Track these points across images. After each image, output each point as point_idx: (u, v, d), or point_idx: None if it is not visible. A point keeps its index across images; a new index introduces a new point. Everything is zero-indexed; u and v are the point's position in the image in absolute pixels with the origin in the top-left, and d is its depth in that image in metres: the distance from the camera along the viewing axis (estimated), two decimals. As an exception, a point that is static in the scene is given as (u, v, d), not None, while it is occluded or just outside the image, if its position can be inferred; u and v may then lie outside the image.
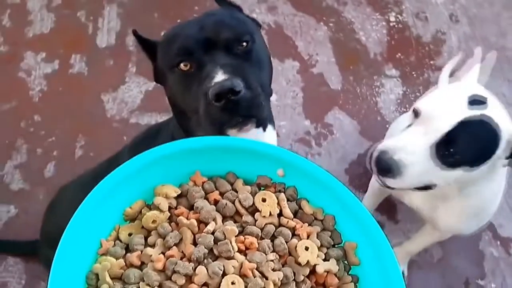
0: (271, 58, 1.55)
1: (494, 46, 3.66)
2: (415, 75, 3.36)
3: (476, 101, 1.48)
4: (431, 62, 3.42)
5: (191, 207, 1.25)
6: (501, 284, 2.60)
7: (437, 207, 1.86)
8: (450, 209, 1.83)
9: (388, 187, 1.53)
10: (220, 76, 1.28)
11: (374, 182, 2.24)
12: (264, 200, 1.26)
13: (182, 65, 1.38)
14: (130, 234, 1.20)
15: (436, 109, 1.48)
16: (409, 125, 1.53)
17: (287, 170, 1.32)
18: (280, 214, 1.27)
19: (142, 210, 1.23)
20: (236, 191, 1.29)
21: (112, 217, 1.22)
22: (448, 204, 1.81)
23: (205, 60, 1.36)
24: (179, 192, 1.26)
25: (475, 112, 1.45)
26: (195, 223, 1.18)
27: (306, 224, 1.27)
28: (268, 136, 1.63)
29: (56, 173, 2.69)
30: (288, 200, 1.30)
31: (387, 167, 1.44)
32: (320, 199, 1.31)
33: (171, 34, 1.46)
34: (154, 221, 1.20)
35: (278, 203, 1.27)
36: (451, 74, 1.78)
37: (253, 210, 1.26)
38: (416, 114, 1.51)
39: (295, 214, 1.30)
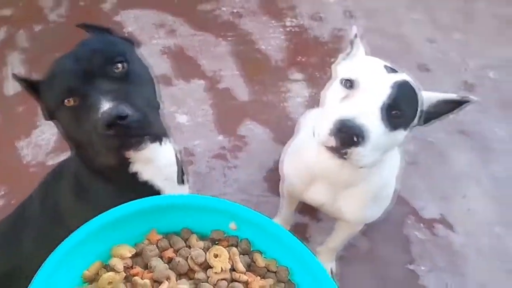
0: (151, 78, 1.56)
1: (391, 34, 3.77)
2: (318, 75, 3.42)
3: (390, 68, 1.56)
4: (333, 60, 3.41)
5: (147, 266, 1.25)
6: (430, 266, 2.63)
7: (338, 198, 1.89)
8: (351, 198, 1.87)
9: (345, 158, 1.49)
10: (105, 105, 1.28)
11: (284, 188, 2.25)
12: (216, 255, 1.26)
13: (67, 101, 1.37)
14: (90, 296, 1.20)
15: (369, 77, 1.52)
16: (346, 97, 1.53)
17: (240, 224, 1.34)
18: (233, 269, 1.27)
19: (100, 271, 1.23)
20: (190, 248, 1.30)
21: (71, 280, 1.21)
22: (349, 193, 1.85)
23: (87, 91, 1.35)
24: (134, 252, 1.26)
25: (398, 76, 1.52)
26: (149, 283, 1.18)
27: (259, 278, 1.27)
28: (166, 149, 1.65)
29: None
30: (241, 253, 1.30)
31: (353, 133, 1.41)
32: (274, 251, 1.33)
33: (51, 72, 1.45)
34: (110, 283, 1.19)
35: (231, 258, 1.27)
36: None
37: (206, 266, 1.27)
38: (351, 84, 1.53)
39: (248, 267, 1.30)
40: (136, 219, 1.29)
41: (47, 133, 2.96)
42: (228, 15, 3.73)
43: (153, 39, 3.51)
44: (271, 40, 3.60)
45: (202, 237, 1.34)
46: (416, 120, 1.60)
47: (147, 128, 1.34)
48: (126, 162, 1.52)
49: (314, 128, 1.56)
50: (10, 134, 2.98)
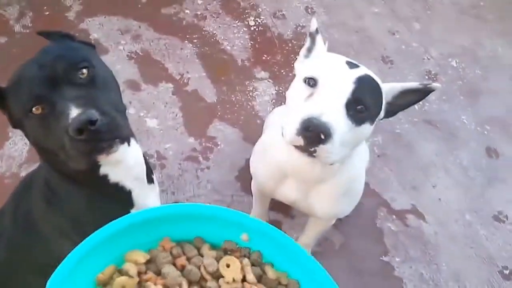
0: (117, 83, 1.57)
1: (353, 28, 3.80)
2: (284, 72, 3.45)
3: (351, 64, 1.58)
4: (297, 57, 3.48)
5: (159, 272, 1.26)
6: (404, 257, 2.68)
7: (309, 195, 1.91)
8: (322, 194, 1.89)
9: (314, 156, 1.50)
10: (74, 111, 1.29)
11: (255, 186, 2.29)
12: (228, 265, 1.28)
13: (34, 109, 1.36)
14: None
15: (332, 74, 1.53)
16: (310, 95, 1.54)
17: (252, 235, 1.36)
18: (244, 279, 1.29)
19: (114, 275, 1.24)
20: (203, 256, 1.31)
21: (85, 283, 1.22)
22: (320, 189, 1.87)
23: (54, 98, 1.35)
24: (148, 257, 1.28)
25: (359, 71, 1.55)
26: (162, 289, 1.20)
27: (269, 289, 1.29)
28: (133, 149, 1.66)
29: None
30: (252, 264, 1.32)
31: (320, 131, 1.41)
32: (285, 264, 1.35)
33: (14, 79, 1.44)
34: (123, 287, 1.20)
35: (242, 268, 1.29)
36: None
37: (218, 275, 1.28)
38: (314, 82, 1.54)
39: (259, 278, 1.31)
40: (150, 226, 1.32)
41: (19, 143, 2.93)
42: (192, 18, 3.73)
43: (119, 45, 3.50)
44: (236, 40, 3.61)
45: (213, 247, 1.37)
46: (381, 113, 1.63)
47: (116, 131, 1.36)
48: (95, 166, 1.53)
49: (281, 128, 1.57)
50: (-20, 147, 2.95)
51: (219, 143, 3.04)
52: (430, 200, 2.93)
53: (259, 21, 3.77)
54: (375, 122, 1.59)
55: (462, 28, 4.02)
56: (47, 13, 3.70)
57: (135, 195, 1.69)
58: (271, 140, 1.96)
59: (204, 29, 3.68)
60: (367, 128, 1.55)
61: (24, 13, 3.68)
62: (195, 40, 3.59)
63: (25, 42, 3.46)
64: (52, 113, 1.35)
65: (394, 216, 2.83)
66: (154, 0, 3.85)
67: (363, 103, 1.50)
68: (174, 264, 1.28)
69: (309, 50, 1.77)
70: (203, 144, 3.03)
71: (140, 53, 3.48)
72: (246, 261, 1.31)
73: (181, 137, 3.05)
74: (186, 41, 3.58)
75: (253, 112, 3.21)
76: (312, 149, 1.46)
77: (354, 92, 1.48)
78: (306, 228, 2.38)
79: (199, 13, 3.78)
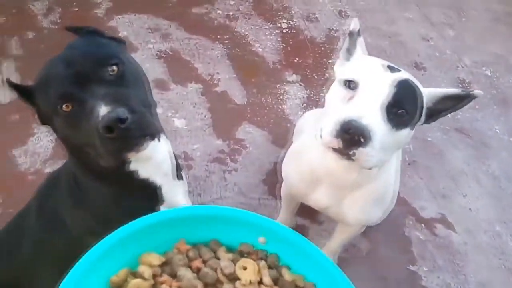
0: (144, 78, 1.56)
1: (386, 34, 3.78)
2: (315, 76, 3.42)
3: (393, 68, 1.56)
4: (329, 61, 3.49)
5: (175, 275, 1.25)
6: (432, 266, 2.63)
7: (342, 201, 1.89)
8: (355, 201, 1.86)
9: (353, 160, 1.47)
10: (104, 109, 1.28)
11: (285, 190, 2.27)
12: (245, 268, 1.27)
13: (63, 106, 1.36)
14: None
15: (373, 77, 1.52)
16: (350, 98, 1.52)
17: (269, 238, 1.35)
18: (260, 282, 1.28)
19: (128, 278, 1.23)
20: (219, 259, 1.30)
21: (99, 285, 1.21)
22: (353, 195, 1.84)
23: (83, 96, 1.35)
24: (164, 260, 1.27)
25: (401, 75, 1.52)
26: (177, 291, 1.18)
27: (286, 292, 1.27)
28: (162, 145, 1.64)
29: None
30: (269, 267, 1.31)
31: (359, 133, 1.39)
32: (301, 266, 1.34)
33: (42, 77, 1.44)
34: None
35: (259, 271, 1.28)
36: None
37: (234, 277, 1.27)
38: (355, 85, 1.52)
39: (276, 281, 1.30)
40: (166, 228, 1.31)
41: (44, 140, 2.94)
42: (223, 18, 3.73)
43: (148, 44, 3.50)
44: (267, 42, 3.60)
45: (229, 249, 1.36)
46: (421, 118, 1.61)
47: (146, 129, 1.35)
48: (124, 162, 1.52)
49: (317, 130, 1.54)
50: (5, 142, 2.95)
51: (247, 145, 3.01)
52: (460, 209, 2.88)
53: (292, 23, 3.75)
54: (414, 127, 1.57)
55: (496, 36, 3.98)
56: (76, 9, 3.72)
57: (164, 191, 1.67)
58: (306, 144, 1.94)
59: (235, 30, 3.67)
60: (406, 133, 1.52)
61: (53, 8, 3.70)
62: (226, 41, 3.59)
63: (53, 38, 3.47)
64: (81, 110, 1.35)
65: (422, 225, 2.78)
66: (186, -1, 3.84)
67: (404, 107, 1.48)
68: (190, 267, 1.27)
69: (349, 52, 1.74)
70: (231, 146, 3.01)
71: (169, 52, 3.48)
72: (263, 263, 1.31)
73: (209, 138, 3.04)
74: (217, 42, 3.58)
75: (283, 116, 3.18)
76: (351, 152, 1.43)
77: (395, 96, 1.46)
78: (335, 234, 2.35)
79: (231, 13, 3.78)
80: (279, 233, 1.35)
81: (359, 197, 1.85)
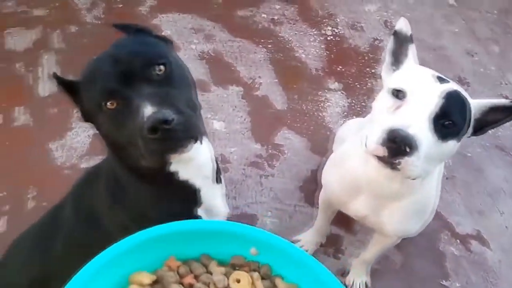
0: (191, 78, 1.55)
1: (431, 46, 3.75)
2: (358, 85, 3.41)
3: (441, 78, 1.55)
4: (372, 71, 3.48)
5: None
6: (466, 283, 2.60)
7: (381, 212, 1.88)
8: (395, 211, 1.85)
9: (398, 169, 1.47)
10: (149, 109, 1.27)
11: (324, 198, 2.26)
12: (238, 280, 1.26)
13: (108, 103, 1.36)
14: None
15: (421, 87, 1.51)
16: (397, 107, 1.52)
17: (260, 248, 1.33)
18: None
19: None
20: (211, 273, 1.29)
21: None
22: (394, 205, 1.83)
23: (129, 94, 1.35)
24: (154, 278, 1.25)
25: (449, 86, 1.51)
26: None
27: (280, 302, 1.27)
28: (205, 148, 1.64)
29: (8, 228, 2.61)
30: (262, 278, 1.30)
31: (405, 142, 1.39)
32: (295, 275, 1.32)
33: (88, 73, 1.43)
34: None
35: (253, 282, 1.27)
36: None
37: None
38: (403, 95, 1.52)
39: None
40: (154, 246, 1.28)
41: (81, 135, 2.95)
42: (268, 22, 3.73)
43: (191, 44, 3.51)
44: (311, 49, 3.59)
45: (221, 263, 1.34)
46: (469, 130, 1.59)
47: (190, 131, 1.34)
48: (166, 163, 1.51)
49: (361, 138, 1.54)
50: (43, 135, 2.97)
51: (285, 151, 3.01)
52: (496, 226, 2.85)
53: (336, 31, 3.74)
54: (461, 139, 1.56)
55: (543, 54, 3.93)
56: (120, 5, 3.75)
57: (203, 194, 1.67)
58: (348, 152, 1.93)
59: (279, 34, 3.67)
60: (452, 144, 1.51)
61: (97, 3, 3.74)
62: (269, 45, 3.59)
63: (96, 33, 3.51)
64: (126, 109, 1.34)
65: (458, 240, 2.75)
66: (231, 1, 3.85)
67: (451, 119, 1.47)
68: (182, 284, 1.25)
69: (400, 60, 1.73)
70: (269, 151, 3.01)
71: (212, 54, 3.48)
72: (256, 275, 1.29)
73: (247, 142, 3.04)
74: (260, 46, 3.58)
75: (323, 123, 3.17)
76: (396, 161, 1.43)
77: (443, 107, 1.45)
78: (369, 245, 2.33)
79: (275, 18, 3.78)
80: (269, 243, 1.32)
81: (400, 208, 1.84)
